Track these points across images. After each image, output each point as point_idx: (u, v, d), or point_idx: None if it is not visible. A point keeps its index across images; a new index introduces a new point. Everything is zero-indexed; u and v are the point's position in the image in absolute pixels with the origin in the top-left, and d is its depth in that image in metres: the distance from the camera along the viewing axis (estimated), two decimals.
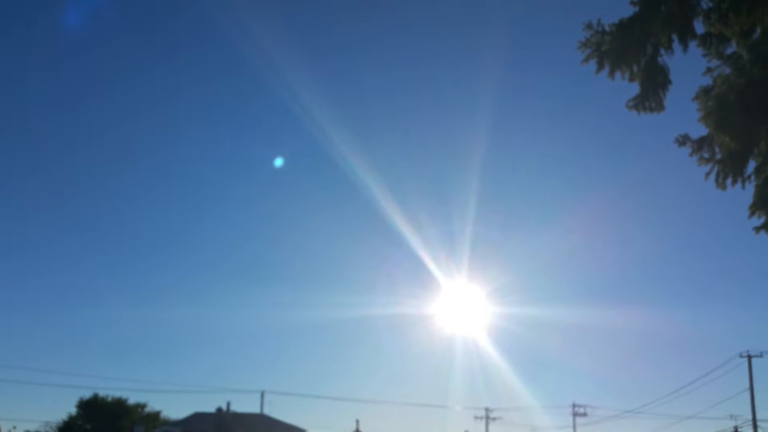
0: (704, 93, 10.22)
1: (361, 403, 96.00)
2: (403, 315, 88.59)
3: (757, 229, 10.14)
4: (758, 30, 9.59)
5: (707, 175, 10.41)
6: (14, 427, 61.18)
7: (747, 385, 48.48)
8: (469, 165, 72.12)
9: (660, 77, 10.24)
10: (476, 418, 66.04)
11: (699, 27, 10.00)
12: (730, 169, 10.23)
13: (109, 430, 57.82)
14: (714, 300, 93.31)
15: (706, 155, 10.49)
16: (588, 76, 10.05)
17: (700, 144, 10.56)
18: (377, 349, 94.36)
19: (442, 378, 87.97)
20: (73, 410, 61.15)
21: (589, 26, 9.90)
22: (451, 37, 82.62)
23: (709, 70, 10.11)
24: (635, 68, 10.05)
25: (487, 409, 65.88)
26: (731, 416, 54.40)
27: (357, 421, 62.42)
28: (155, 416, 64.01)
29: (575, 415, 64.72)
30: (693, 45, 10.06)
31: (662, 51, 10.08)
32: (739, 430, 52.49)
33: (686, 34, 9.99)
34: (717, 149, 10.43)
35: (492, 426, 65.99)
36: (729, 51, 10.07)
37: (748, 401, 48.14)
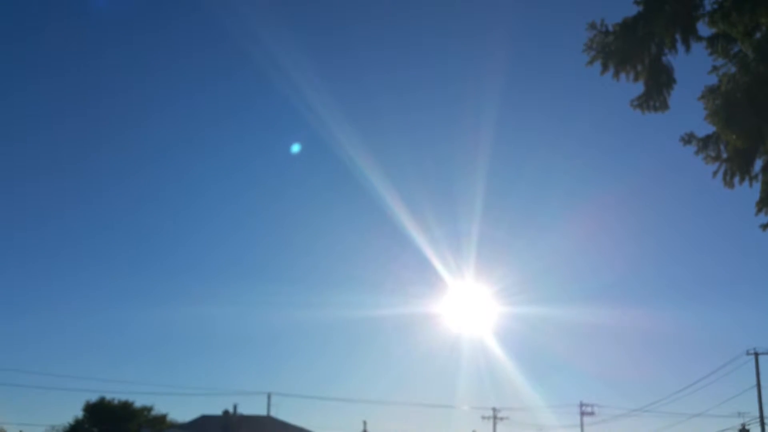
0: (710, 92, 10.20)
1: (369, 404, 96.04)
2: (409, 315, 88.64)
3: (764, 226, 10.13)
4: (763, 28, 9.57)
5: (714, 173, 10.41)
6: (21, 431, 61.38)
7: (754, 382, 48.31)
8: (476, 164, 71.99)
9: (664, 76, 10.23)
10: (483, 418, 65.93)
11: (703, 27, 10.01)
12: (737, 167, 10.22)
13: None
14: (721, 298, 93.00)
15: (712, 153, 10.48)
16: (594, 73, 10.06)
17: (705, 142, 10.55)
18: (384, 350, 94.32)
19: (449, 378, 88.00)
20: (80, 414, 61.35)
21: (592, 26, 9.90)
22: (457, 35, 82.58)
23: (714, 68, 10.09)
24: (639, 68, 10.04)
25: (494, 409, 65.77)
26: (739, 414, 54.26)
27: (364, 422, 62.44)
28: (162, 419, 64.10)
29: (583, 414, 64.50)
30: (697, 44, 10.05)
31: (666, 50, 10.07)
32: (746, 427, 52.42)
33: (690, 33, 9.98)
34: (722, 147, 10.42)
35: (499, 426, 65.93)
36: (734, 50, 10.04)
37: (756, 399, 47.97)
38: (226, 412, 57.40)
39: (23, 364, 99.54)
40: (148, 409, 63.94)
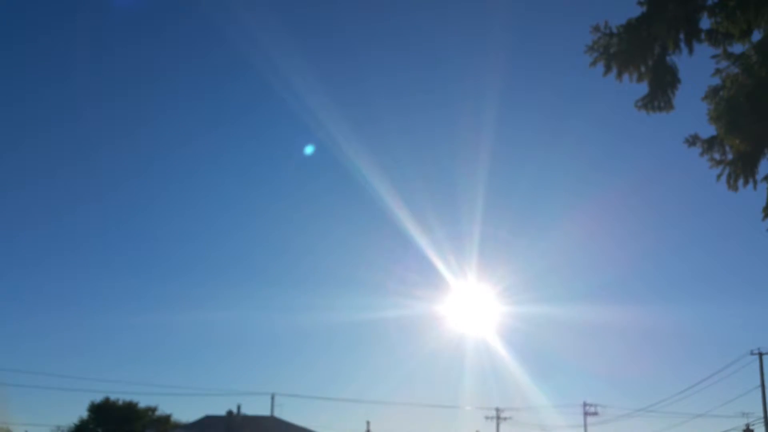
0: (713, 92, 10.18)
1: (372, 405, 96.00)
2: (413, 316, 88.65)
3: None
4: (764, 28, 9.55)
5: (719, 176, 10.38)
6: (26, 431, 61.50)
7: (758, 382, 48.21)
8: (477, 164, 71.94)
9: (668, 77, 10.21)
10: (487, 418, 65.89)
11: (706, 27, 9.99)
12: (741, 170, 10.20)
13: None
14: (725, 297, 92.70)
15: (716, 156, 10.46)
16: (594, 72, 10.05)
17: (710, 144, 10.53)
18: (387, 350, 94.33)
19: (452, 378, 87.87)
20: (85, 414, 61.48)
21: (596, 28, 9.87)
22: (456, 36, 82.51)
23: (718, 71, 10.08)
24: (643, 68, 10.02)
25: (497, 409, 65.72)
26: (743, 414, 54.17)
27: (368, 423, 62.48)
28: (166, 419, 64.18)
29: (586, 414, 64.48)
30: (703, 44, 10.03)
31: (670, 51, 10.05)
32: (750, 427, 52.30)
33: (694, 33, 9.97)
34: (727, 149, 10.40)
35: (503, 426, 65.90)
36: (738, 51, 10.03)
37: (760, 399, 47.87)
38: (229, 413, 57.46)
39: (28, 364, 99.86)
40: (153, 410, 64.05)
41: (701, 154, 10.57)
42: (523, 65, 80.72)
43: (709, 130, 10.52)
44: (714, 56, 10.10)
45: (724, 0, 9.57)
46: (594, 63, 10.02)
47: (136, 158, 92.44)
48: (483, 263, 68.59)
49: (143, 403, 63.19)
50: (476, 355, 73.99)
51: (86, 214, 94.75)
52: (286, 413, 61.73)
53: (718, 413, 65.31)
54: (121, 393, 63.04)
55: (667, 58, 10.17)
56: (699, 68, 10.80)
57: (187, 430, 60.55)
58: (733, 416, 55.74)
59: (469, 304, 70.45)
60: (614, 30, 9.89)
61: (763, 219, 10.02)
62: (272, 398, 59.79)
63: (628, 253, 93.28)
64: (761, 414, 47.78)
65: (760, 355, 48.42)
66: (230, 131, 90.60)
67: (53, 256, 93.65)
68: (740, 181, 10.26)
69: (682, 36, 9.92)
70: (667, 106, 10.32)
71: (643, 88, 10.35)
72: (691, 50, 9.92)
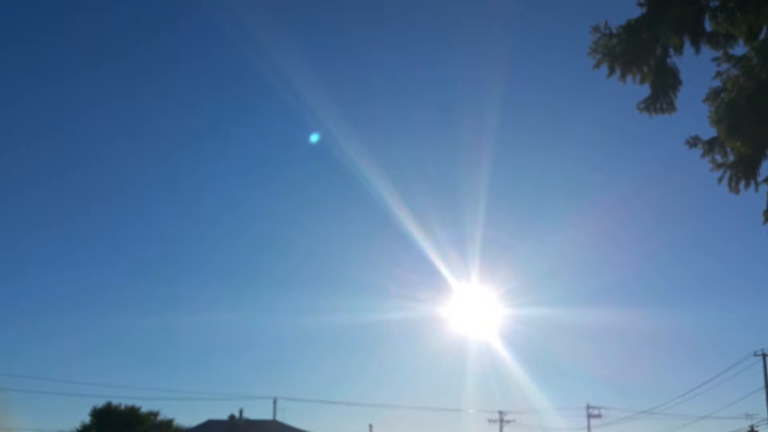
0: (714, 95, 10.14)
1: (374, 408, 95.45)
2: (415, 318, 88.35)
3: None
4: (765, 30, 9.51)
5: (720, 179, 10.35)
6: None
7: (762, 383, 48.14)
8: (479, 167, 71.78)
9: (670, 78, 10.18)
10: (490, 421, 65.78)
11: (707, 28, 9.95)
12: (742, 173, 10.16)
13: None
14: (727, 299, 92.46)
15: (718, 158, 10.43)
16: (596, 74, 10.02)
17: (711, 145, 10.50)
18: (390, 353, 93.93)
19: (455, 381, 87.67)
20: (87, 419, 61.44)
21: (596, 29, 9.85)
22: (457, 37, 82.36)
23: (719, 73, 10.04)
24: (645, 70, 9.99)
25: (500, 412, 65.61)
26: (747, 415, 54.02)
27: (370, 426, 62.36)
28: (168, 424, 64.15)
29: (589, 416, 64.31)
30: (704, 46, 9.99)
31: (671, 52, 10.01)
32: (755, 429, 52.19)
33: (694, 34, 9.93)
34: (729, 150, 10.36)
35: (506, 429, 65.76)
36: (739, 53, 9.98)
37: (764, 400, 47.75)
38: (232, 417, 57.41)
39: (30, 369, 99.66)
40: (155, 414, 64.01)
41: (702, 156, 10.54)
42: (525, 67, 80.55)
43: (709, 132, 10.51)
44: (715, 59, 10.07)
45: (724, 2, 9.53)
46: (597, 65, 10.00)
47: (139, 160, 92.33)
48: (485, 266, 68.38)
49: (145, 407, 63.17)
50: (479, 357, 73.82)
51: (89, 216, 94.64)
52: (289, 417, 61.62)
53: (722, 415, 65.00)
54: (123, 397, 63.09)
55: (668, 60, 10.15)
56: (700, 70, 10.77)
57: None
58: (737, 418, 55.57)
59: (472, 306, 70.33)
60: (614, 31, 9.86)
61: (764, 222, 9.98)
62: (275, 402, 59.80)
63: (630, 255, 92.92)
64: (765, 415, 47.70)
65: (764, 356, 48.32)
66: (233, 132, 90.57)
67: (56, 259, 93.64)
68: (741, 184, 10.23)
69: (682, 38, 9.89)
70: (669, 108, 10.29)
71: (644, 90, 10.33)
72: (697, 50, 9.88)
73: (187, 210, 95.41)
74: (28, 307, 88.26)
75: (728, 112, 9.73)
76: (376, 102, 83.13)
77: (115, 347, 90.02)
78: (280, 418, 59.93)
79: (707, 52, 10.11)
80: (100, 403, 61.67)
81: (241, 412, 57.58)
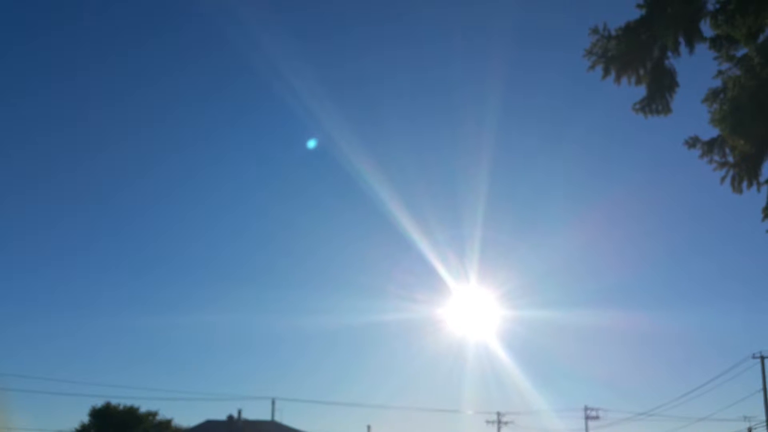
0: (714, 95, 10.18)
1: (373, 409, 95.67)
2: (413, 320, 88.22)
3: None
4: (766, 30, 9.56)
5: (722, 179, 10.36)
6: None
7: (760, 386, 48.19)
8: (478, 168, 71.74)
9: (667, 80, 10.22)
10: (488, 422, 65.83)
11: (706, 29, 10.00)
12: (745, 172, 10.18)
13: None
14: (726, 301, 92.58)
15: (717, 158, 10.45)
16: (595, 77, 10.07)
17: (710, 146, 10.52)
18: (388, 354, 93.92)
19: (453, 382, 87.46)
20: (86, 419, 61.40)
21: (595, 31, 9.89)
22: (456, 38, 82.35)
23: (720, 72, 10.08)
24: (641, 72, 10.03)
25: (498, 414, 65.68)
26: (744, 418, 54.18)
27: (368, 427, 62.38)
28: (167, 424, 64.07)
29: (587, 418, 64.42)
30: (701, 47, 10.04)
31: (669, 54, 10.06)
32: (753, 431, 52.25)
33: (693, 36, 9.98)
34: (728, 151, 10.39)
35: (504, 430, 65.78)
36: (739, 53, 10.03)
37: (762, 402, 47.82)
38: (230, 417, 57.44)
39: (28, 369, 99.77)
40: (153, 414, 63.94)
41: (701, 157, 10.57)
42: (525, 69, 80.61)
43: (707, 134, 10.55)
44: (716, 57, 10.10)
45: (724, 4, 9.58)
46: (592, 66, 10.05)
47: (136, 160, 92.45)
48: (484, 267, 68.37)
49: (144, 407, 63.13)
50: (477, 359, 73.80)
51: (87, 216, 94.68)
52: (287, 418, 61.60)
53: (720, 417, 64.88)
54: (122, 398, 63.07)
55: (666, 61, 10.19)
56: (697, 71, 10.82)
57: None
58: (735, 420, 55.71)
59: (470, 308, 70.35)
60: (613, 33, 9.91)
61: (763, 219, 10.02)
62: (273, 403, 59.78)
63: (629, 257, 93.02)
64: (763, 417, 47.73)
65: (762, 358, 48.38)
66: (232, 133, 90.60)
67: (52, 259, 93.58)
68: (744, 183, 10.24)
69: (681, 39, 9.93)
70: (665, 109, 10.33)
71: (642, 92, 10.36)
72: (692, 51, 9.93)
73: (187, 210, 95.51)
74: (26, 306, 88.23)
75: (731, 110, 9.74)
76: (375, 103, 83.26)
77: (113, 347, 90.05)
78: (278, 418, 59.96)
79: (705, 53, 10.17)
80: (98, 403, 61.63)
81: (239, 412, 57.70)
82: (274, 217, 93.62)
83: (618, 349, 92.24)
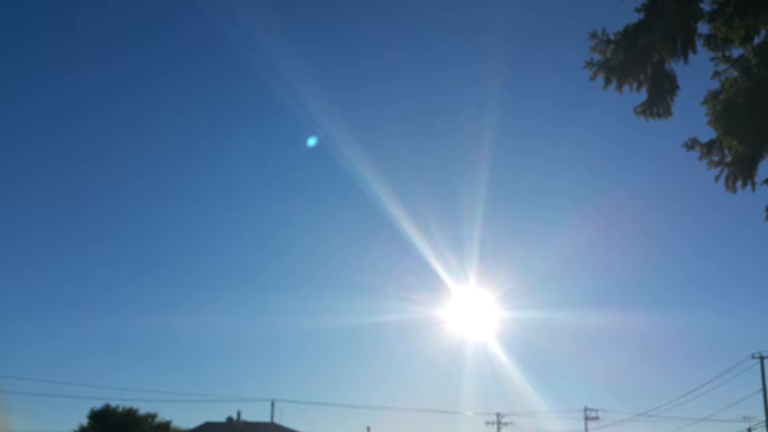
0: (713, 97, 10.20)
1: (372, 410, 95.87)
2: (412, 320, 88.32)
3: None
4: (763, 32, 9.56)
5: (717, 178, 10.40)
6: None
7: (760, 386, 48.19)
8: (477, 169, 71.80)
9: (667, 83, 10.24)
10: (487, 423, 65.76)
11: (704, 31, 10.00)
12: (740, 172, 10.20)
13: None
14: (725, 302, 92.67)
15: (715, 158, 10.48)
16: (595, 79, 10.05)
17: (709, 147, 10.55)
18: (387, 355, 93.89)
19: (452, 383, 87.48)
20: (85, 421, 61.31)
21: (594, 35, 9.90)
22: (456, 40, 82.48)
23: (717, 73, 10.08)
24: (642, 77, 10.05)
25: (498, 415, 65.63)
26: (744, 418, 54.14)
27: (368, 428, 62.29)
28: (166, 426, 63.98)
29: (587, 419, 64.34)
30: (701, 49, 10.04)
31: (669, 57, 10.05)
32: (752, 431, 52.25)
33: (691, 39, 9.98)
34: (726, 152, 10.41)
35: (503, 431, 65.80)
36: (735, 54, 10.03)
37: (761, 403, 47.81)
38: (230, 419, 57.40)
39: (27, 371, 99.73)
40: (153, 416, 63.85)
41: (700, 158, 10.61)
42: (524, 71, 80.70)
43: (707, 136, 10.56)
44: (713, 58, 10.10)
45: (722, 6, 9.57)
46: (594, 77, 10.06)
47: (135, 161, 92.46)
48: (483, 268, 68.45)
49: (143, 409, 63.04)
50: (476, 359, 73.84)
51: (85, 216, 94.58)
52: (287, 419, 61.64)
53: (720, 417, 65.02)
54: (121, 399, 63.07)
55: (666, 65, 10.19)
56: (698, 74, 10.82)
57: None
58: (735, 420, 55.67)
59: (469, 308, 70.41)
60: (612, 37, 9.91)
61: (766, 219, 10.01)
62: (272, 404, 59.75)
63: (628, 258, 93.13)
64: (763, 417, 47.73)
65: (761, 358, 48.37)
66: (230, 135, 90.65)
67: (51, 259, 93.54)
68: (738, 183, 10.26)
69: (679, 42, 9.93)
70: (666, 112, 10.34)
71: (644, 96, 10.36)
72: (694, 51, 9.94)
73: (186, 210, 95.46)
74: (24, 307, 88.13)
75: (726, 111, 9.77)
76: (375, 104, 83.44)
77: (112, 349, 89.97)
78: (277, 420, 59.92)
79: (705, 56, 10.19)
80: (97, 404, 61.59)
81: (239, 414, 57.65)
82: (274, 217, 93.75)
83: (617, 349, 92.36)
